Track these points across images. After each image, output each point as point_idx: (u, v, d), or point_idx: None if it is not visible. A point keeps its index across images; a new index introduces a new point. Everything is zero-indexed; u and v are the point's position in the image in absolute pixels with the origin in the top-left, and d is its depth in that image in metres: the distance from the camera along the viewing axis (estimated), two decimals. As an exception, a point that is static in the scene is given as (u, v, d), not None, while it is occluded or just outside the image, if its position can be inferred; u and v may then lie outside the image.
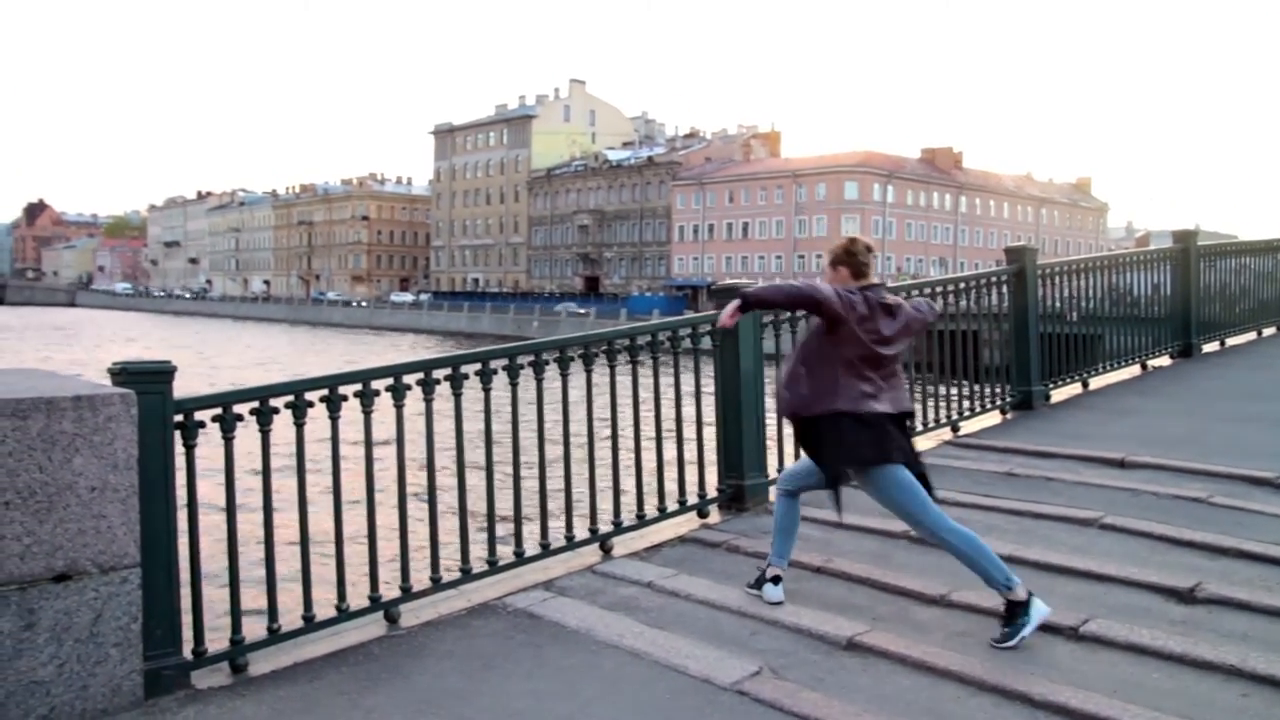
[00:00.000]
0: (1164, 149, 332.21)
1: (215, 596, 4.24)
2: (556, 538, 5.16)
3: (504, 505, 4.99)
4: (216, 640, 4.09)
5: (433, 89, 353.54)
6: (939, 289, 7.57)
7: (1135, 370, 9.48)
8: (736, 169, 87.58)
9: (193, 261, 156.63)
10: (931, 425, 7.13)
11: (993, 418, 7.77)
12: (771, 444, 6.09)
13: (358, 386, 4.45)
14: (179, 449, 3.94)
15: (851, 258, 4.33)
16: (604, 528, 5.35)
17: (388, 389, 4.52)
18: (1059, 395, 8.47)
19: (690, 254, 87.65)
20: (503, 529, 5.02)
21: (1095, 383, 8.89)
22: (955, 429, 7.37)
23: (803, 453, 4.69)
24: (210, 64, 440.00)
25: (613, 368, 5.41)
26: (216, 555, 4.25)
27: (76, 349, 55.67)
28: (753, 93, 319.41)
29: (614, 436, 5.38)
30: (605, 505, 5.35)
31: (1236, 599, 4.19)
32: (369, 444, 4.46)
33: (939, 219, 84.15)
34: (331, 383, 4.42)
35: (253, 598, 4.31)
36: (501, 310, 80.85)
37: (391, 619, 4.50)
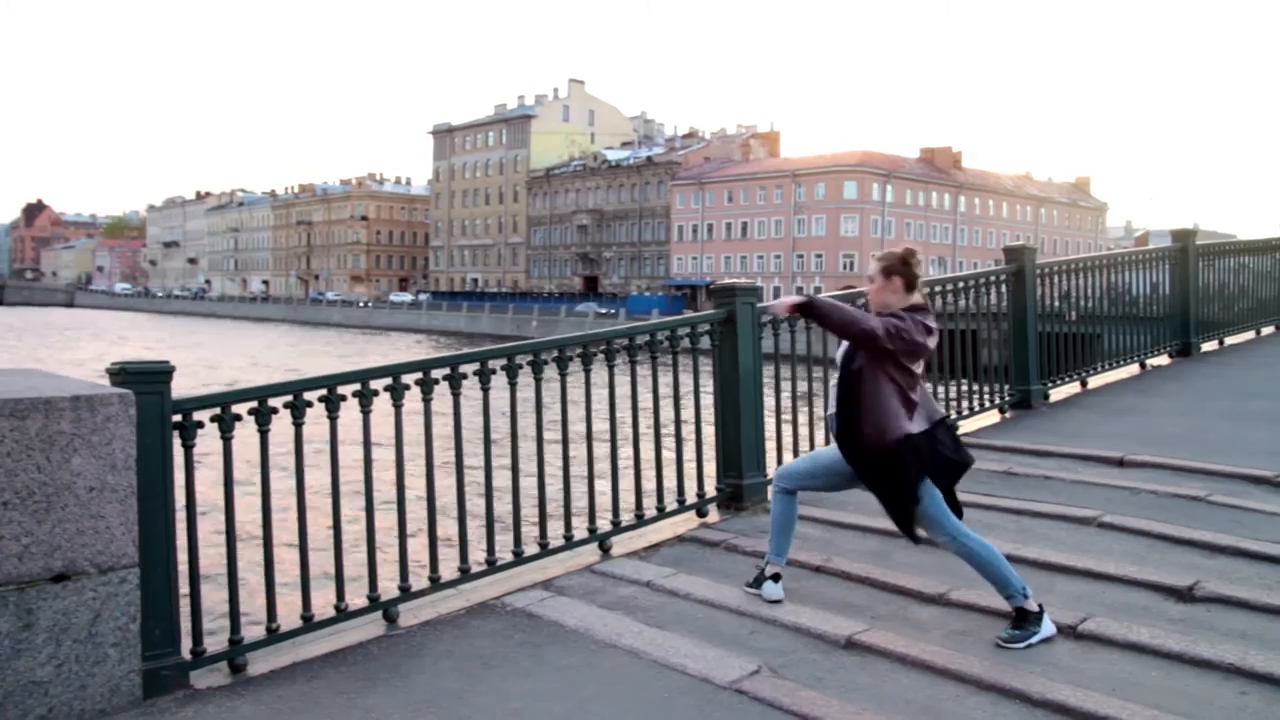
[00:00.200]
0: (1163, 148, 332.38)
1: (214, 596, 4.25)
2: (555, 537, 5.16)
3: (503, 505, 4.99)
4: (215, 640, 4.09)
5: (432, 89, 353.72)
6: (938, 288, 7.57)
7: (1134, 369, 9.49)
8: (735, 169, 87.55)
9: (191, 261, 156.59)
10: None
11: (991, 417, 7.77)
12: (770, 443, 6.08)
13: (356, 386, 4.44)
14: (177, 449, 3.94)
15: (907, 269, 4.27)
16: (602, 527, 5.35)
17: (386, 389, 4.52)
18: (1058, 394, 8.48)
19: (689, 254, 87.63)
20: (501, 529, 5.02)
21: (1094, 382, 8.89)
22: (954, 428, 7.35)
23: (803, 452, 4.71)
24: (209, 64, 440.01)
25: (611, 367, 5.41)
26: (215, 555, 4.25)
27: (75, 349, 55.63)
28: (752, 92, 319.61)
29: (613, 436, 5.38)
30: (604, 505, 5.35)
31: (1235, 597, 4.20)
32: (368, 443, 4.46)
33: (938, 218, 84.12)
34: (330, 382, 4.42)
35: (251, 598, 4.31)
36: (500, 310, 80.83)
37: (390, 618, 4.50)
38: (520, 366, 4.99)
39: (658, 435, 5.72)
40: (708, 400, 5.90)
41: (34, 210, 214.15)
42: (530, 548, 5.05)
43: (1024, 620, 3.96)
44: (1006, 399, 7.96)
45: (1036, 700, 3.47)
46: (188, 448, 4.01)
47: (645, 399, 5.57)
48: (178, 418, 3.95)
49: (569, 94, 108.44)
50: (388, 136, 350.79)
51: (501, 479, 4.91)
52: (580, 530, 5.26)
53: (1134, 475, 5.97)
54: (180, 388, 4.00)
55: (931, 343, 4.21)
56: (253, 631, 4.22)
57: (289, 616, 4.34)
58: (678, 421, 5.75)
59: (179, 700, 3.75)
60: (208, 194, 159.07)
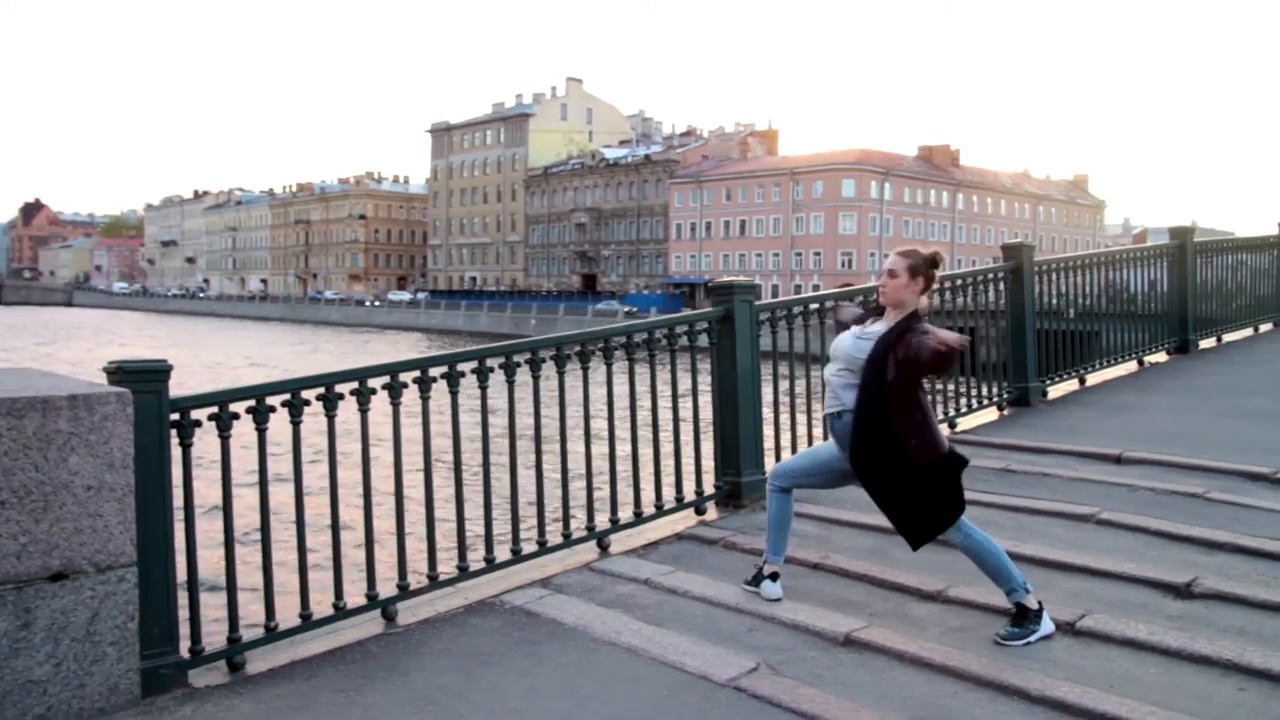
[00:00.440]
0: (1161, 146, 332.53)
1: (212, 595, 4.25)
2: (553, 535, 5.16)
3: (501, 503, 4.99)
4: (214, 639, 4.09)
5: (430, 87, 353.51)
6: (936, 285, 7.56)
7: (1132, 366, 9.50)
8: (734, 167, 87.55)
9: (190, 261, 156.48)
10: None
11: (990, 414, 7.78)
12: (768, 441, 6.09)
13: (354, 385, 4.44)
14: (175, 448, 3.94)
15: (931, 271, 4.23)
16: (601, 525, 5.35)
17: (384, 387, 4.52)
18: (1056, 391, 8.48)
19: (688, 252, 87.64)
20: (500, 527, 5.02)
21: (1092, 379, 8.90)
22: (953, 425, 7.37)
23: (801, 450, 4.70)
24: (207, 63, 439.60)
25: (609, 365, 5.40)
26: (213, 554, 4.25)
27: (73, 348, 55.61)
28: (750, 91, 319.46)
29: (611, 434, 5.39)
30: (602, 503, 5.35)
31: (1233, 594, 4.20)
32: (366, 442, 4.46)
33: (936, 216, 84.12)
34: (327, 381, 4.41)
35: (250, 596, 4.30)
36: (499, 309, 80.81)
37: (389, 617, 4.50)
38: (518, 365, 4.99)
39: (656, 433, 5.73)
40: (706, 398, 5.90)
41: (32, 209, 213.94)
42: (528, 546, 5.05)
43: (1023, 617, 3.96)
44: (1005, 396, 7.96)
45: (1035, 697, 3.47)
46: (185, 446, 4.01)
47: (644, 397, 5.57)
48: (175, 416, 3.95)
49: (567, 92, 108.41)
50: (386, 135, 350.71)
51: (500, 477, 4.91)
52: (578, 528, 5.26)
53: (1132, 472, 5.97)
54: (183, 388, 3.99)
55: None
56: (251, 630, 4.21)
57: (287, 615, 4.34)
58: (676, 419, 5.75)
59: (177, 699, 3.75)
60: (206, 193, 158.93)
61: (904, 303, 4.20)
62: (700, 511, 5.79)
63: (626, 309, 69.23)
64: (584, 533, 5.28)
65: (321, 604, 4.42)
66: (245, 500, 4.30)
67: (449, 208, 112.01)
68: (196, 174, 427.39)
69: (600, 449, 5.34)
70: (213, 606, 4.24)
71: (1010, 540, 4.86)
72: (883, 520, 4.44)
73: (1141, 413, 7.71)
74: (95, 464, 3.57)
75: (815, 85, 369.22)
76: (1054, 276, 8.73)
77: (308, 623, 4.31)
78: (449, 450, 4.82)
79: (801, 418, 6.29)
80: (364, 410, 4.46)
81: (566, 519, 5.18)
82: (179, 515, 3.95)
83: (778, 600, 4.41)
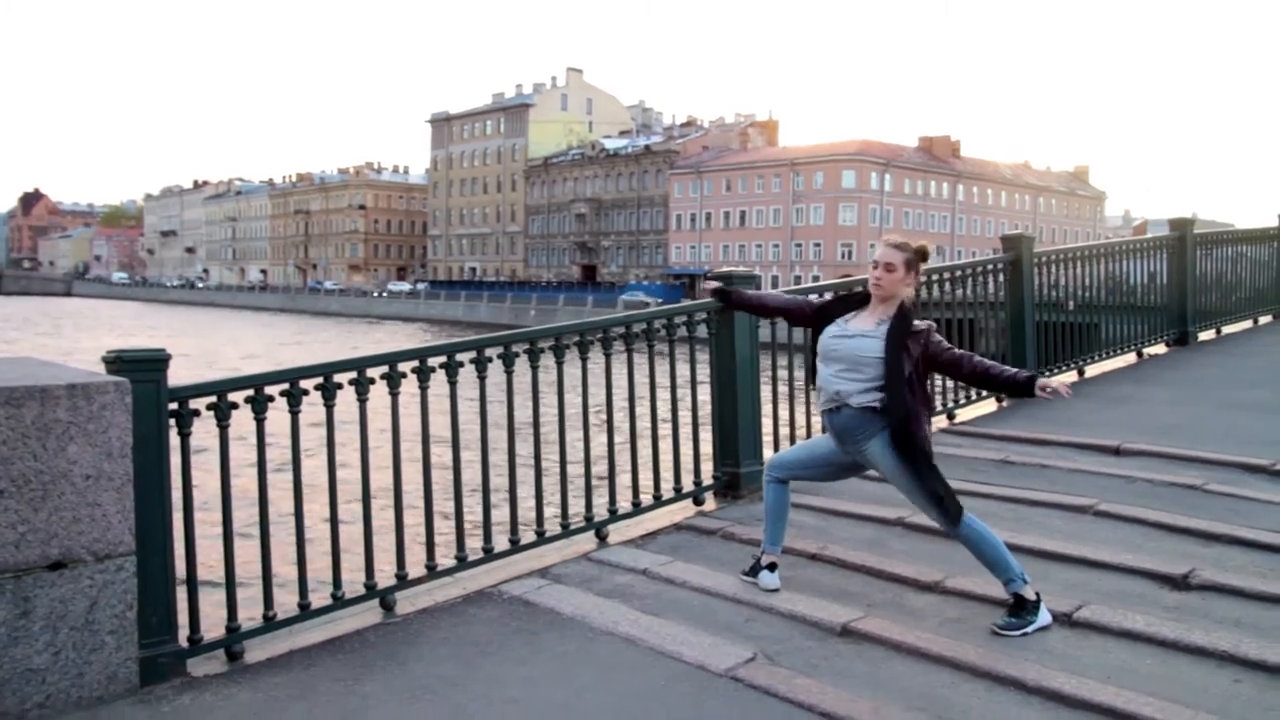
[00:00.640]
0: (1162, 138, 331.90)
1: (211, 584, 4.25)
2: (552, 525, 5.16)
3: (499, 493, 5.00)
4: (212, 628, 4.09)
5: (430, 78, 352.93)
6: (935, 276, 7.57)
7: (1131, 358, 9.49)
8: (734, 157, 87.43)
9: (189, 251, 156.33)
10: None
11: (989, 405, 7.77)
12: (767, 432, 6.09)
13: (353, 374, 4.44)
14: (174, 437, 3.94)
15: (921, 264, 4.29)
16: (599, 515, 5.35)
17: (383, 377, 4.52)
18: (1054, 381, 8.45)
19: (687, 242, 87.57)
20: (498, 517, 5.02)
21: (1091, 371, 8.90)
22: (951, 416, 7.38)
23: (799, 441, 4.71)
24: (207, 53, 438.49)
25: (608, 356, 5.40)
26: (212, 543, 4.26)
27: (72, 338, 55.60)
28: (750, 81, 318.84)
29: (609, 424, 5.39)
30: (601, 493, 5.36)
31: (1230, 585, 4.21)
32: (364, 431, 4.46)
33: (936, 207, 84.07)
34: (326, 371, 4.41)
35: (248, 586, 4.30)
36: (498, 299, 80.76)
37: (387, 606, 4.51)
38: (517, 355, 4.99)
39: (655, 424, 5.72)
40: (705, 389, 5.90)
41: (31, 199, 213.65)
42: (527, 536, 5.06)
43: (1021, 608, 3.96)
44: (1022, 373, 7.94)
45: (1031, 688, 3.48)
46: (184, 436, 4.00)
47: (643, 389, 5.57)
48: (174, 406, 3.94)
49: (567, 83, 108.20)
50: (386, 125, 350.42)
51: (498, 467, 4.91)
52: (577, 518, 5.27)
53: (1130, 464, 5.98)
54: (177, 376, 3.99)
55: None
56: (249, 619, 4.21)
57: (286, 604, 4.35)
58: (674, 410, 5.75)
59: (176, 688, 3.75)
60: (205, 183, 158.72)
61: (896, 295, 4.22)
62: (698, 502, 5.80)
63: (645, 298, 68.43)
64: (582, 523, 5.28)
65: (320, 593, 4.42)
66: (244, 490, 4.30)
67: (449, 198, 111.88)
68: (196, 164, 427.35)
69: (599, 439, 5.34)
70: (211, 596, 4.25)
71: (1008, 531, 4.86)
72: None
73: (1140, 404, 7.71)
74: (94, 453, 3.57)
75: (816, 76, 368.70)
76: (1053, 268, 8.73)
77: (306, 612, 4.32)
78: (447, 440, 4.82)
79: (800, 409, 6.29)
80: (362, 400, 4.46)
81: (565, 509, 5.19)
82: (177, 505, 3.95)
83: (775, 591, 4.42)
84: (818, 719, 3.37)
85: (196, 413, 4.04)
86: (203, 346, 48.77)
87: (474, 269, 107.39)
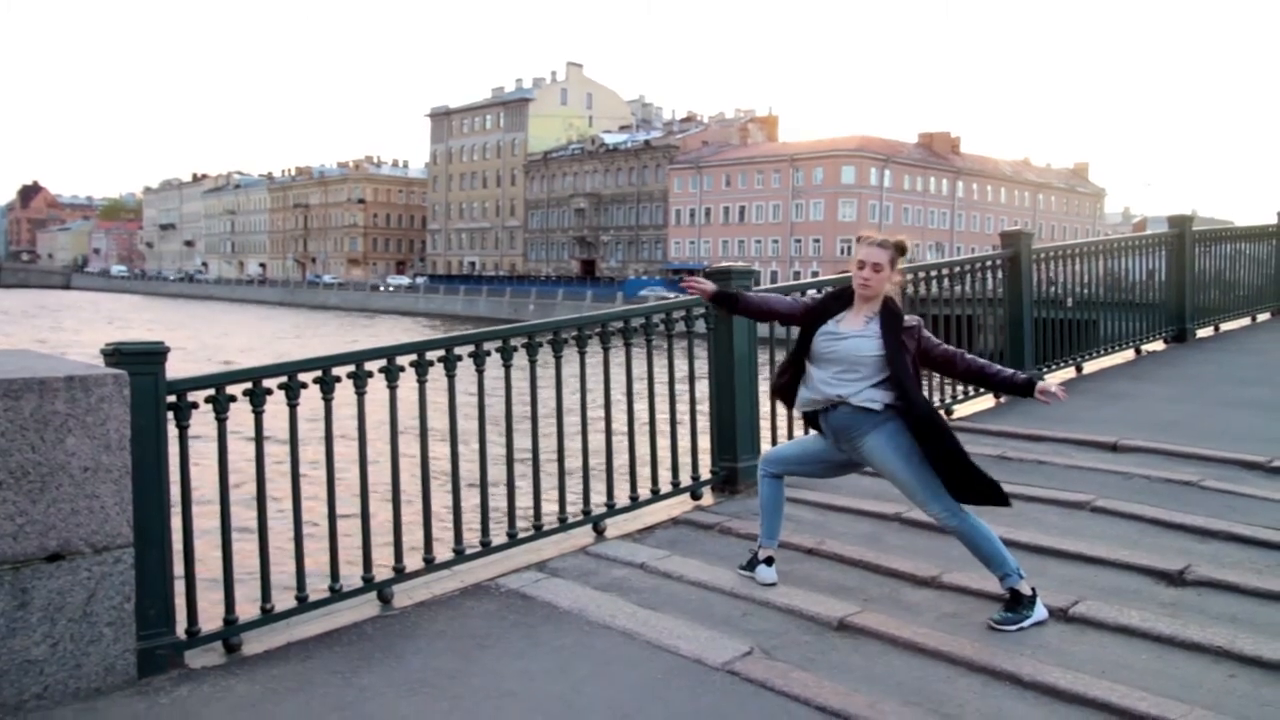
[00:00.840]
0: (1162, 135, 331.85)
1: (209, 577, 4.25)
2: (549, 519, 5.17)
3: (497, 487, 5.00)
4: (210, 620, 4.10)
5: (429, 71, 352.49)
6: (934, 273, 7.58)
7: (1129, 355, 9.50)
8: (734, 153, 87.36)
9: (188, 244, 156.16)
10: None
11: (986, 401, 7.78)
12: (765, 427, 6.10)
13: (351, 368, 4.44)
14: (172, 430, 3.94)
15: (903, 256, 4.33)
16: (597, 509, 5.36)
17: (381, 370, 4.52)
18: (1053, 379, 8.36)
19: (687, 237, 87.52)
20: (496, 510, 5.03)
21: (1089, 367, 8.91)
22: (949, 412, 7.38)
23: (797, 436, 4.72)
24: (206, 46, 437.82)
25: (606, 350, 5.41)
26: (210, 536, 4.26)
27: (71, 331, 55.57)
28: (750, 77, 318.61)
29: (607, 418, 5.40)
30: (598, 487, 5.36)
31: (1226, 581, 4.22)
32: (362, 425, 4.47)
33: (936, 203, 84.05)
34: (324, 364, 4.41)
35: (246, 578, 4.31)
36: (498, 294, 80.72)
37: (385, 599, 4.52)
38: (515, 349, 5.00)
39: (653, 418, 5.73)
40: (703, 384, 5.91)
41: (30, 192, 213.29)
42: (524, 529, 5.07)
43: (1017, 603, 3.97)
44: (1020, 375, 7.94)
45: (1027, 682, 3.49)
46: (182, 428, 4.01)
47: (641, 383, 5.57)
48: (172, 398, 3.95)
49: (567, 77, 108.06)
50: (385, 119, 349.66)
51: (496, 460, 4.92)
52: (574, 512, 5.27)
53: (1127, 460, 5.99)
54: (176, 370, 4.00)
55: None
56: (247, 612, 4.22)
57: (284, 597, 4.35)
58: (673, 404, 5.76)
59: (174, 679, 3.76)
60: (204, 176, 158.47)
61: (881, 293, 4.25)
62: (696, 496, 5.81)
63: (664, 294, 67.87)
64: (580, 517, 5.29)
65: (318, 586, 4.43)
66: (242, 482, 4.30)
67: (448, 192, 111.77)
68: (195, 157, 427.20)
69: (597, 434, 5.35)
70: (209, 588, 4.25)
71: (1005, 527, 4.86)
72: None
73: (1138, 401, 7.72)
74: (92, 445, 3.58)
75: (816, 71, 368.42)
76: (1052, 264, 8.73)
77: (304, 605, 4.33)
78: (446, 434, 4.83)
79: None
80: (361, 393, 4.46)
81: (563, 503, 5.19)
82: (175, 497, 3.96)
83: (772, 585, 4.43)
84: (814, 713, 3.38)
85: (195, 405, 4.05)
86: (201, 340, 48.74)
87: (473, 263, 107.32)
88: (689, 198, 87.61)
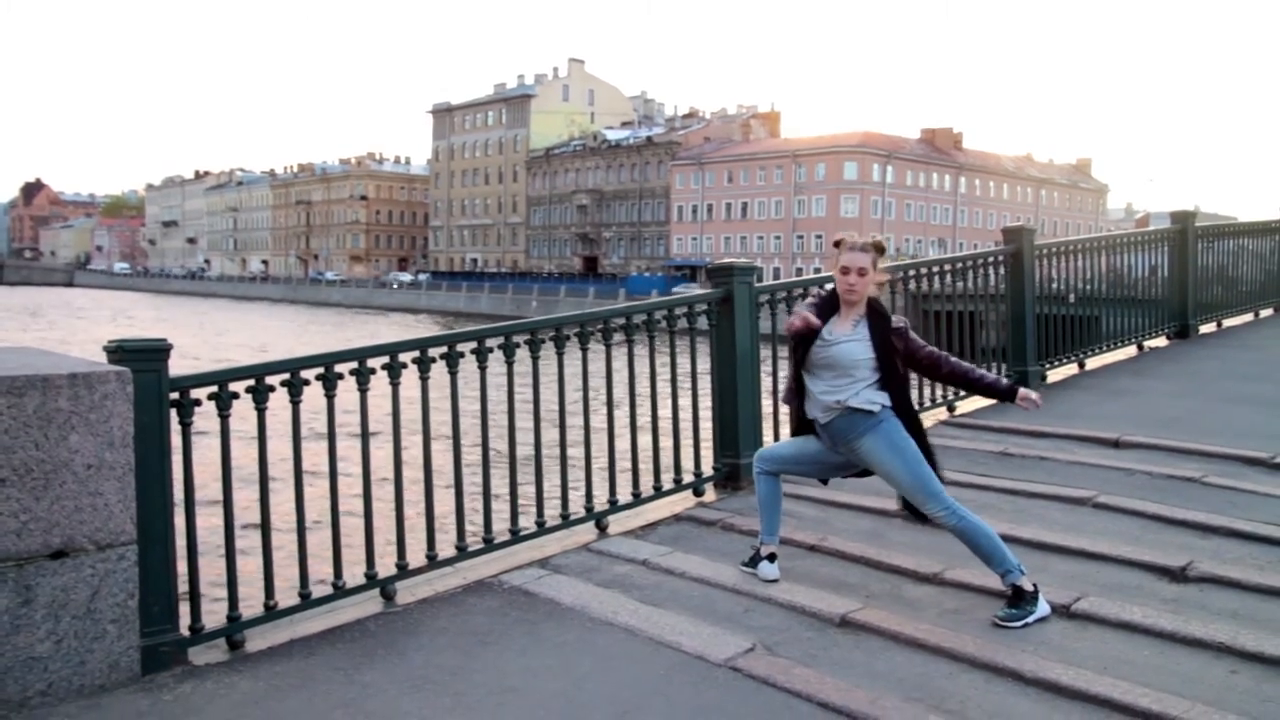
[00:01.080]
0: (1165, 131, 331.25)
1: (212, 574, 4.26)
2: (552, 516, 5.18)
3: (500, 484, 5.01)
4: (213, 617, 4.10)
5: (431, 68, 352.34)
6: (935, 269, 7.58)
7: (1131, 351, 9.49)
8: (736, 149, 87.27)
9: (191, 241, 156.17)
10: (928, 405, 7.15)
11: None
12: (767, 423, 6.10)
13: (353, 365, 4.44)
14: (175, 427, 3.95)
15: (882, 256, 4.34)
16: (599, 506, 5.37)
17: (384, 367, 4.53)
18: (1055, 375, 8.48)
19: (689, 234, 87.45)
20: (498, 507, 5.03)
21: (1091, 363, 8.90)
22: (951, 409, 7.38)
23: (784, 438, 4.73)
24: (208, 43, 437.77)
25: (608, 347, 5.41)
26: (213, 533, 4.27)
27: (74, 328, 55.61)
28: (752, 73, 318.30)
29: (610, 415, 5.40)
30: (601, 484, 5.37)
31: (1228, 577, 4.22)
32: (365, 422, 4.47)
33: (938, 199, 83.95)
34: (327, 361, 4.41)
35: (249, 575, 4.32)
36: (500, 290, 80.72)
37: (387, 596, 4.52)
38: (518, 345, 5.00)
39: (655, 415, 5.73)
40: (705, 381, 5.91)
41: (32, 189, 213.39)
42: (527, 526, 5.07)
43: (1020, 599, 3.97)
44: (1003, 380, 7.94)
45: (1029, 679, 3.49)
46: (185, 425, 4.02)
47: (643, 380, 5.58)
48: (175, 395, 3.95)
49: (569, 73, 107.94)
50: (387, 116, 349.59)
51: (499, 458, 4.92)
52: (577, 509, 5.28)
53: (1130, 456, 5.99)
54: (180, 367, 4.00)
55: None
56: (251, 609, 4.23)
57: (287, 594, 4.36)
58: (675, 401, 5.76)
59: (177, 676, 3.77)
60: (206, 173, 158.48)
61: (866, 295, 4.28)
62: (698, 493, 5.81)
63: (688, 289, 67.63)
64: (582, 513, 5.30)
65: (321, 583, 4.44)
66: (245, 480, 4.31)
67: (450, 189, 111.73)
68: (197, 154, 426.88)
69: (600, 430, 5.35)
70: (212, 585, 4.26)
71: (1007, 523, 4.88)
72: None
73: (1140, 397, 7.72)
74: (95, 442, 3.58)
75: (818, 67, 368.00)
76: (1055, 261, 8.72)
77: (307, 601, 4.33)
78: (448, 431, 4.83)
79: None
80: (363, 390, 4.47)
81: (565, 500, 5.20)
82: (179, 494, 3.96)
83: (775, 581, 4.43)
84: (816, 709, 3.38)
85: (198, 402, 4.06)
86: (206, 337, 48.76)
87: (475, 260, 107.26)
88: (691, 194, 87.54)
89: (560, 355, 5.18)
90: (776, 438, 6.02)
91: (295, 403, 4.30)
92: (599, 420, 5.36)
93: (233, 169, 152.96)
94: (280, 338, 51.34)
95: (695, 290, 66.08)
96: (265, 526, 4.24)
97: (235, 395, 4.16)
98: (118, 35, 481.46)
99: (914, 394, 6.78)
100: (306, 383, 4.33)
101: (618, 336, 5.47)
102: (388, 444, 4.60)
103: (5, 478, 3.40)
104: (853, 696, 3.42)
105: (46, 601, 3.49)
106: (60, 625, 3.52)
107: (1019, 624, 3.91)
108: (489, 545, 4.92)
